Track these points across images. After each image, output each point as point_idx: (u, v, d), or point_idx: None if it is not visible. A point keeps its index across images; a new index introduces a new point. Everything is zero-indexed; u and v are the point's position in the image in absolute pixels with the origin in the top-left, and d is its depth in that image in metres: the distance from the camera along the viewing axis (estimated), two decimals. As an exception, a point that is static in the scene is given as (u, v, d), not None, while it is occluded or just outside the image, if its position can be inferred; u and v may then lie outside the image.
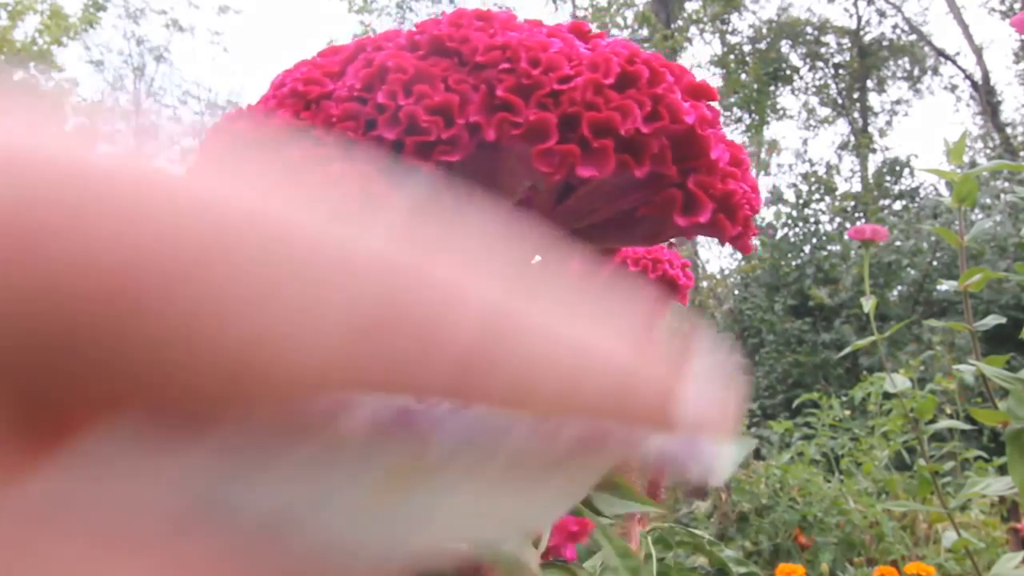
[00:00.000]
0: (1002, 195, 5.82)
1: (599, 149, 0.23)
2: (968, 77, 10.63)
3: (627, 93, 0.23)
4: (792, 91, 10.95)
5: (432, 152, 0.23)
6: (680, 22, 9.99)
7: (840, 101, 10.95)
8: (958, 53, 10.93)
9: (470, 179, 0.26)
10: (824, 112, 11.05)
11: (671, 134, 0.24)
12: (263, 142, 0.11)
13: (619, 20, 8.69)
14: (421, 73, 0.23)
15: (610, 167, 0.23)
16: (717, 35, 10.81)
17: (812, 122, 11.02)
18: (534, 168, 0.23)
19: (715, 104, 0.26)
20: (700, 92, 0.26)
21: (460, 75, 0.23)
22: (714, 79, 10.59)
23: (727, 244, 0.26)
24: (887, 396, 2.14)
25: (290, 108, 0.24)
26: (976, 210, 5.33)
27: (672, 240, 0.27)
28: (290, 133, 0.24)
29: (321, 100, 0.24)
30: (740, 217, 0.25)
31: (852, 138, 10.46)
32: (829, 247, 6.37)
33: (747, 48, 10.81)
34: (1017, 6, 9.40)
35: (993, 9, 10.09)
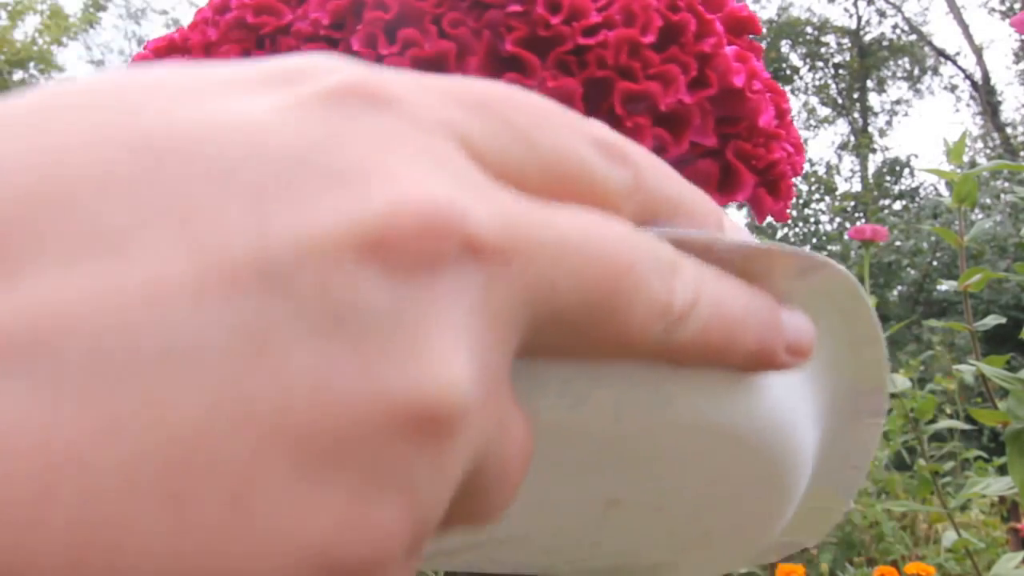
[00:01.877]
0: (1002, 195, 5.82)
1: (633, 128, 0.19)
2: (968, 77, 10.64)
3: (669, 52, 0.19)
4: (792, 91, 10.94)
5: None
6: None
7: (840, 101, 10.95)
8: (958, 53, 10.94)
9: None
10: (824, 112, 11.04)
11: (716, 98, 0.20)
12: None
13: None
14: (407, 10, 0.18)
15: (645, 148, 0.19)
16: (717, 33, 10.78)
17: (812, 122, 11.01)
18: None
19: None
20: (744, 25, 0.21)
21: (457, 14, 0.19)
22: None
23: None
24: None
25: (236, 44, 0.20)
26: (976, 210, 5.32)
27: None
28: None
29: (278, 36, 0.20)
30: (783, 189, 0.21)
31: (852, 138, 10.45)
32: (829, 247, 6.36)
33: (747, 47, 10.79)
34: (1017, 6, 9.40)
35: (993, 9, 10.10)
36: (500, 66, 0.19)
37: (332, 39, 0.19)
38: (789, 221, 6.97)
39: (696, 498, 0.18)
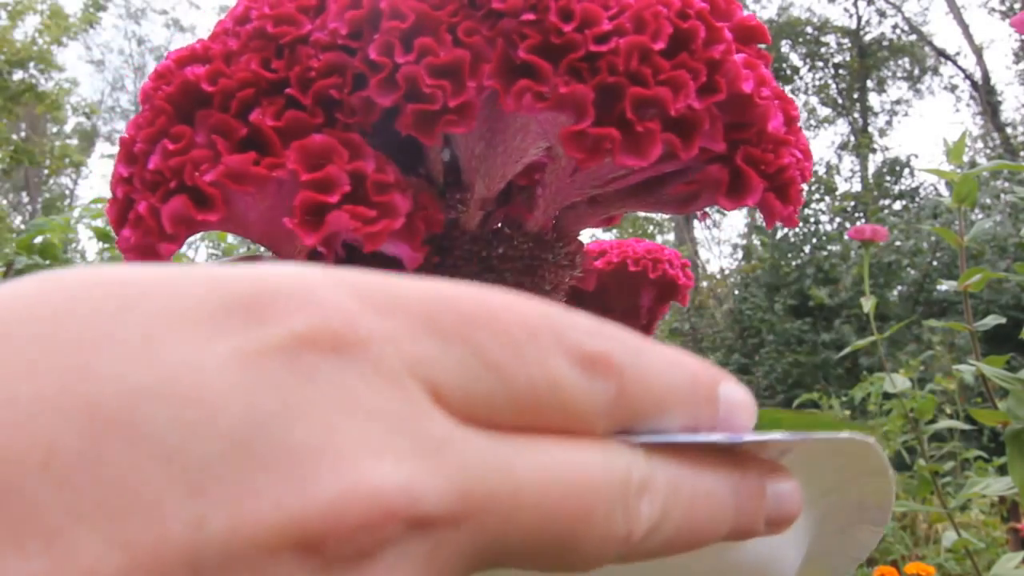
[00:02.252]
0: (1002, 195, 5.81)
1: (644, 133, 0.19)
2: (968, 77, 10.63)
3: (679, 59, 0.19)
4: (792, 91, 10.94)
5: (437, 123, 0.19)
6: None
7: (840, 101, 10.94)
8: (958, 53, 10.94)
9: (470, 138, 0.22)
10: (824, 112, 11.04)
11: (725, 104, 0.20)
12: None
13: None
14: (423, 20, 0.19)
15: (655, 153, 0.19)
16: (717, 33, 10.77)
17: (812, 122, 11.00)
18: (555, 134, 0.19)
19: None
20: (753, 35, 0.21)
21: (472, 23, 0.19)
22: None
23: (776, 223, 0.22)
24: (887, 396, 2.13)
25: (257, 54, 0.20)
26: (976, 210, 5.32)
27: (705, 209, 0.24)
28: (256, 90, 0.20)
29: (296, 45, 0.20)
30: (793, 194, 0.22)
31: (852, 138, 10.45)
32: (829, 247, 6.36)
33: (747, 47, 10.78)
34: (1017, 6, 9.40)
35: (993, 9, 10.09)
36: (513, 73, 0.19)
37: (350, 48, 0.19)
38: (789, 221, 6.95)
39: None
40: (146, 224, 0.21)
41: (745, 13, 0.21)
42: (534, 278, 0.24)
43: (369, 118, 0.20)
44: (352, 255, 0.22)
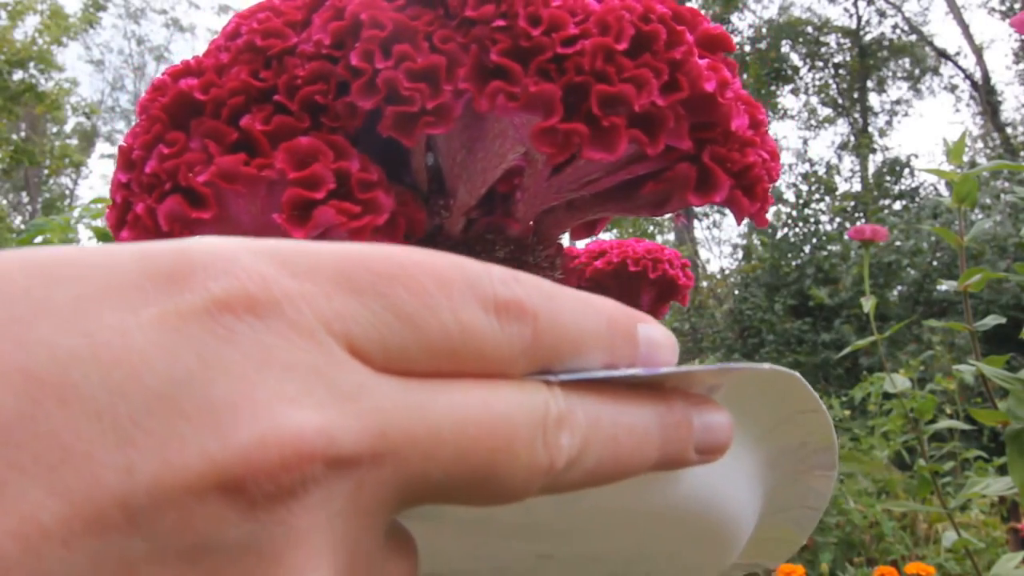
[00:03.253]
0: (1002, 195, 5.80)
1: (610, 128, 0.20)
2: (968, 77, 10.62)
3: (642, 59, 0.20)
4: (792, 91, 10.93)
5: (416, 125, 0.20)
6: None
7: (840, 101, 10.93)
8: (958, 53, 10.92)
9: (451, 144, 0.23)
10: (824, 112, 11.03)
11: (688, 102, 0.21)
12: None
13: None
14: (400, 28, 0.20)
15: (621, 147, 0.20)
16: (717, 34, 10.76)
17: (812, 122, 11.00)
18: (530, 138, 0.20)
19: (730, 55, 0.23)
20: (717, 43, 0.22)
21: (447, 31, 0.20)
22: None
23: (744, 220, 0.23)
24: (887, 396, 2.13)
25: (246, 65, 0.21)
26: (976, 210, 5.31)
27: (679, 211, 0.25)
28: (246, 98, 0.21)
29: (283, 56, 0.21)
30: (759, 192, 0.23)
31: (852, 138, 10.44)
32: (829, 247, 6.35)
33: (747, 48, 10.78)
34: (1017, 6, 9.38)
35: (993, 9, 10.08)
36: (486, 75, 0.20)
37: (333, 57, 0.20)
38: (789, 221, 6.95)
39: (628, 553, 0.19)
40: (143, 224, 0.22)
41: (745, 16, 0.22)
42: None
43: (353, 122, 0.21)
44: None
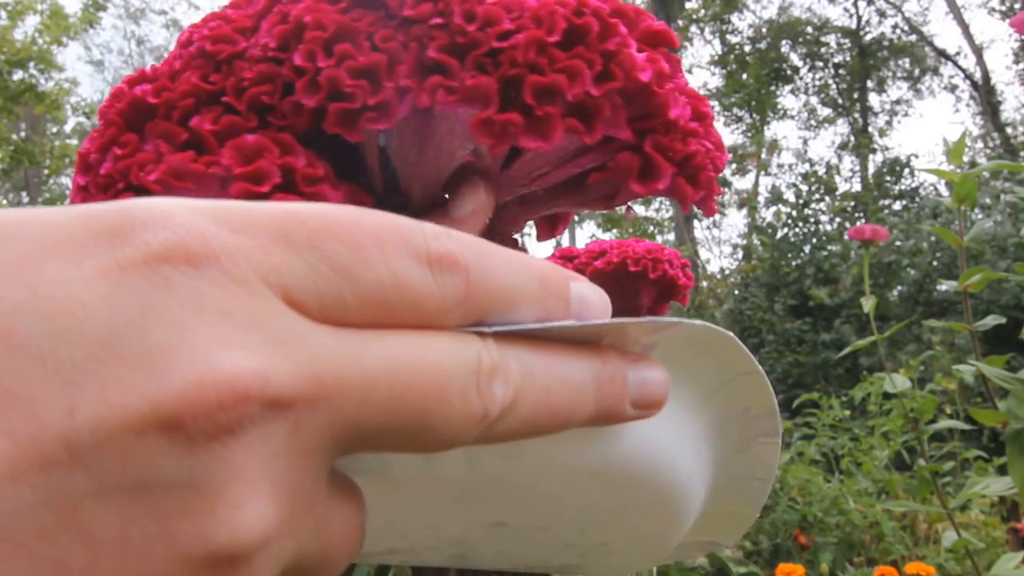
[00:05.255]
0: (1002, 195, 5.80)
1: (544, 117, 0.20)
2: (968, 77, 10.62)
3: (575, 51, 0.21)
4: (792, 91, 10.94)
5: (358, 120, 0.21)
6: (680, 21, 9.96)
7: (840, 101, 10.93)
8: (958, 53, 10.92)
9: (402, 144, 0.24)
10: (824, 112, 11.04)
11: (625, 93, 0.21)
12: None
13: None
14: (343, 29, 0.20)
15: (557, 136, 0.20)
16: (717, 35, 10.80)
17: (812, 122, 11.00)
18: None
19: (673, 50, 0.23)
20: (659, 38, 0.23)
21: (387, 31, 0.20)
22: (714, 79, 10.57)
23: (692, 207, 0.23)
24: (887, 396, 2.13)
25: (198, 70, 0.22)
26: (976, 210, 5.30)
27: (629, 204, 0.25)
28: (196, 100, 0.21)
29: (233, 60, 0.21)
30: (703, 180, 0.23)
31: (852, 138, 10.44)
32: (829, 247, 6.35)
33: (747, 48, 10.79)
34: (1017, 6, 9.38)
35: (993, 9, 10.08)
36: (426, 71, 0.21)
37: (279, 59, 0.21)
38: (789, 221, 6.95)
39: (579, 519, 0.19)
40: (99, 222, 0.23)
41: (744, 16, 0.23)
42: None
43: (299, 120, 0.21)
44: None
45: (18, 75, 6.28)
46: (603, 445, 0.16)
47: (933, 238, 5.60)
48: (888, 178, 8.19)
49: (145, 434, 0.11)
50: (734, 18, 10.70)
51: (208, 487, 0.11)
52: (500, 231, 0.26)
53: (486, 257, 0.14)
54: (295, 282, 0.12)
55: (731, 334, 0.17)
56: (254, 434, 0.11)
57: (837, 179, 8.82)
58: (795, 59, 10.87)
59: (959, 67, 10.75)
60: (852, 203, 7.62)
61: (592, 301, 0.15)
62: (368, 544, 0.15)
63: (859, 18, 10.81)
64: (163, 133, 0.22)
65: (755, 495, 0.21)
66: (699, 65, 10.51)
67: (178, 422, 0.11)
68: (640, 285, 0.42)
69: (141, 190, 0.22)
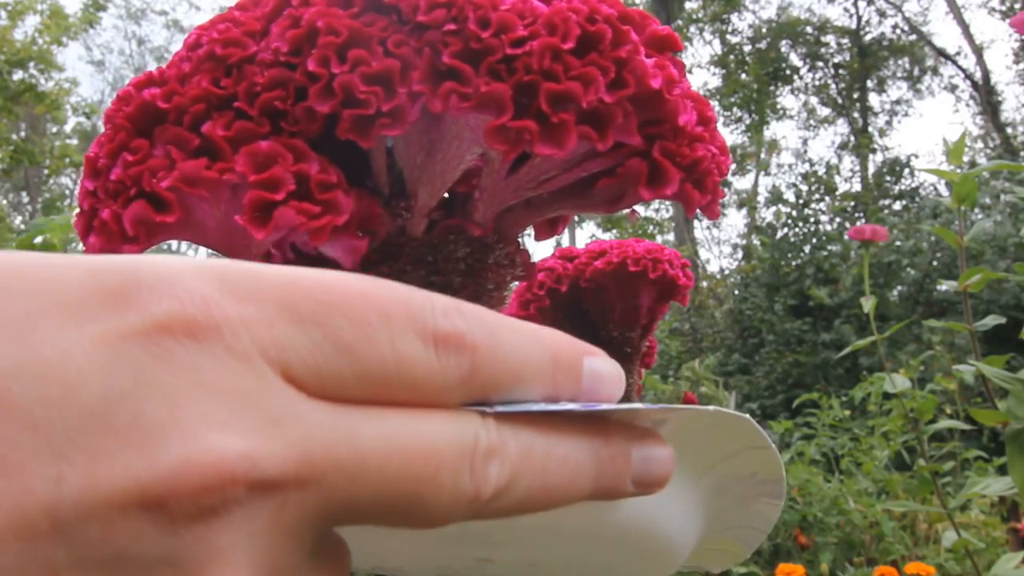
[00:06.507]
0: (1002, 195, 5.80)
1: (559, 124, 0.20)
2: (968, 77, 10.62)
3: (588, 58, 0.21)
4: (792, 91, 10.94)
5: (372, 126, 0.21)
6: (680, 21, 9.97)
7: (840, 101, 10.93)
8: (958, 53, 10.92)
9: (410, 147, 0.24)
10: (824, 112, 11.04)
11: (636, 99, 0.22)
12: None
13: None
14: (356, 35, 0.20)
15: (571, 143, 0.21)
16: (717, 35, 10.80)
17: (812, 122, 11.01)
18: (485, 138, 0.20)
19: (679, 55, 0.23)
20: (665, 43, 0.23)
21: (400, 36, 0.20)
22: (714, 79, 10.56)
23: (696, 212, 0.23)
24: (887, 396, 2.13)
25: (208, 74, 0.22)
26: (976, 210, 5.31)
27: (633, 208, 0.25)
28: (207, 105, 0.21)
29: (243, 64, 0.21)
30: (709, 185, 0.23)
31: (852, 138, 10.44)
32: (829, 247, 6.35)
33: (747, 48, 10.79)
34: (1017, 6, 9.38)
35: (993, 9, 10.08)
36: (439, 77, 0.21)
37: (291, 64, 0.21)
38: (789, 221, 6.95)
39: (567, 564, 0.20)
40: (109, 229, 0.23)
41: (744, 16, 0.23)
42: (477, 279, 0.25)
43: (312, 126, 0.21)
44: (301, 262, 0.23)
45: (18, 75, 6.27)
46: (599, 514, 0.16)
47: (933, 238, 5.60)
48: (888, 178, 8.19)
49: (128, 511, 0.11)
50: (733, 18, 10.70)
51: (188, 566, 0.11)
52: (505, 233, 0.26)
53: (496, 334, 0.14)
54: (296, 358, 0.12)
55: (747, 417, 0.17)
56: (239, 515, 0.11)
57: (837, 179, 8.83)
58: (795, 59, 10.87)
59: (959, 67, 10.76)
60: (852, 203, 7.62)
61: (605, 377, 0.15)
62: (355, 562, 0.15)
63: (859, 18, 10.81)
64: (174, 139, 0.22)
65: (750, 540, 0.22)
66: (699, 65, 10.53)
67: (162, 503, 0.11)
68: (640, 285, 0.42)
69: (153, 196, 0.22)
